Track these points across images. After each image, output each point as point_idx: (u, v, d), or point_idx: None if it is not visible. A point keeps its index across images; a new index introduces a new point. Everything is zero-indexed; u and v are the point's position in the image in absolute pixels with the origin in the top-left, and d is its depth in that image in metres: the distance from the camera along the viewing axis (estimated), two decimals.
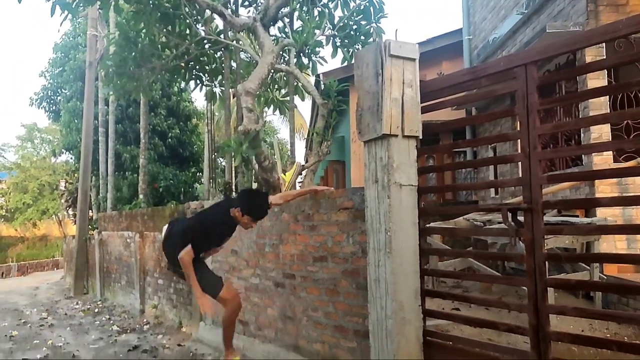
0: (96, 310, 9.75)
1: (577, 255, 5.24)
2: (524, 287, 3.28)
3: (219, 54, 8.93)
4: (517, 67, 3.20)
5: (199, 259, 4.40)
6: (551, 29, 6.20)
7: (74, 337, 7.39)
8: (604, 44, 5.97)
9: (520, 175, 3.27)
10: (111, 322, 8.36)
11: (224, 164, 16.46)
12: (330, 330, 4.47)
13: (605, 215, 5.81)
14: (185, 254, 4.20)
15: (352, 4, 7.52)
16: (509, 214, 3.29)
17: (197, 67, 8.93)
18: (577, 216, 5.98)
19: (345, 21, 7.49)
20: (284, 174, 7.05)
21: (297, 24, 8.14)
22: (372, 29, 7.54)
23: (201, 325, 6.71)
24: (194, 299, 6.96)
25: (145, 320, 8.26)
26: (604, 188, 5.91)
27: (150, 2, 7.45)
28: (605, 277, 5.51)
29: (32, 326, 8.31)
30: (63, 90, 19.09)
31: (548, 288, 3.16)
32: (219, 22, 9.49)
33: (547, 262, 3.12)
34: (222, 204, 4.58)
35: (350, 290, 4.24)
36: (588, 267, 5.42)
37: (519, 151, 3.25)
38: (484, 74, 3.45)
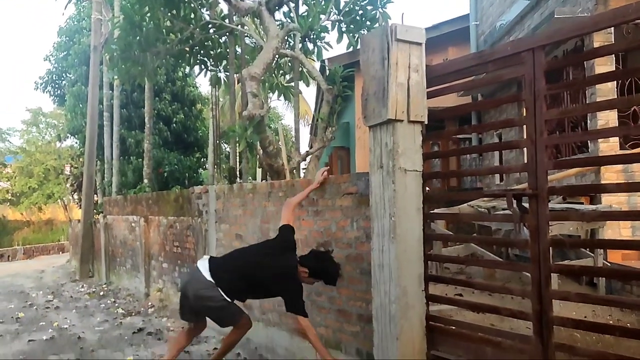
0: (101, 293, 9.84)
1: (582, 242, 5.24)
2: (528, 274, 3.29)
3: (223, 38, 8.90)
4: (525, 51, 3.17)
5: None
6: (559, 15, 6.14)
7: (79, 319, 7.46)
8: (612, 30, 5.91)
9: (526, 162, 3.25)
10: (116, 305, 8.44)
11: (228, 149, 16.50)
12: (333, 314, 4.50)
13: (611, 202, 5.80)
14: (309, 322, 4.07)
15: None
16: (514, 200, 3.28)
17: (202, 51, 8.91)
18: (582, 203, 5.97)
19: (351, 6, 7.44)
20: (296, 164, 7.05)
21: (303, 8, 8.09)
22: (378, 14, 7.50)
23: None
24: None
25: (150, 303, 8.34)
26: (610, 175, 5.89)
27: None
28: (609, 264, 5.52)
29: (38, 308, 8.40)
30: (68, 75, 19.08)
31: (552, 274, 3.16)
32: (223, 6, 9.46)
33: (551, 249, 3.12)
34: (291, 261, 4.20)
35: (354, 275, 4.26)
36: (592, 254, 5.42)
37: (525, 137, 3.24)
38: (491, 59, 3.42)
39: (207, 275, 4.10)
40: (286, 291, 4.11)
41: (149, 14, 7.86)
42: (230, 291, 4.14)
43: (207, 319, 4.46)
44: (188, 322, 4.49)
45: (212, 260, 4.33)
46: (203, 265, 4.20)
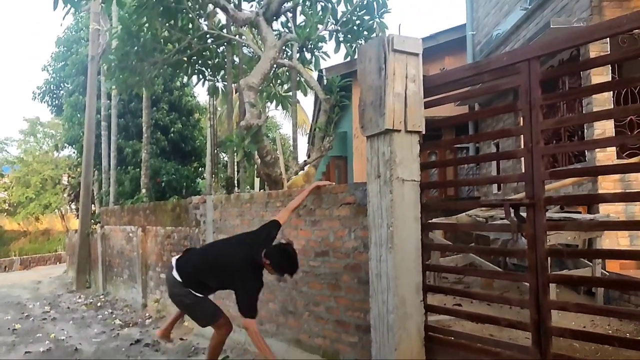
0: (98, 304, 9.78)
1: (579, 251, 5.24)
2: (526, 283, 3.28)
3: (221, 48, 8.92)
4: (521, 62, 3.19)
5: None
6: (555, 25, 6.18)
7: (76, 330, 7.42)
8: (608, 40, 5.95)
9: (523, 171, 3.26)
10: (113, 316, 8.39)
11: (226, 159, 16.50)
12: (331, 325, 4.48)
13: (608, 212, 5.81)
14: (255, 325, 3.98)
15: None
16: (512, 210, 3.29)
17: (200, 61, 8.92)
18: (580, 213, 5.97)
19: (349, 16, 7.47)
20: (293, 173, 7.04)
21: (300, 18, 8.13)
22: (375, 24, 7.52)
23: None
24: None
25: (147, 314, 8.29)
26: (607, 185, 5.90)
27: None
28: (607, 274, 5.51)
29: (35, 320, 8.35)
30: (66, 85, 19.09)
31: (550, 284, 3.16)
32: (221, 16, 9.51)
33: (549, 258, 3.11)
34: (246, 257, 4.15)
35: (351, 285, 4.25)
36: (590, 264, 5.42)
37: (522, 147, 3.25)
38: (487, 69, 3.44)
39: (175, 274, 4.21)
40: (237, 288, 4.11)
41: (146, 24, 7.88)
42: (195, 286, 4.20)
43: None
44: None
45: (179, 258, 4.38)
46: (173, 264, 4.31)
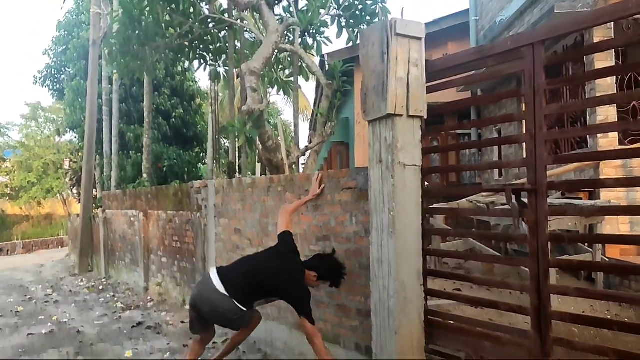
0: (100, 287, 9.85)
1: (580, 237, 5.24)
2: (526, 269, 3.29)
3: (223, 33, 8.87)
4: (525, 46, 3.16)
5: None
6: (559, 10, 6.14)
7: (78, 313, 7.48)
8: (612, 25, 5.91)
9: (525, 157, 3.25)
10: (115, 299, 8.46)
11: (227, 144, 16.47)
12: (332, 309, 4.51)
13: (609, 198, 5.81)
14: (316, 329, 3.94)
15: None
16: (513, 195, 3.28)
17: (201, 46, 8.88)
18: (581, 199, 5.98)
19: (351, 1, 7.42)
20: (295, 159, 7.03)
21: (302, 3, 8.07)
22: (377, 8, 7.47)
23: None
24: (197, 277, 7.02)
25: (149, 297, 8.35)
26: (609, 171, 5.90)
27: None
28: (607, 260, 5.53)
29: (38, 302, 8.42)
30: (67, 69, 19.05)
31: (550, 269, 3.17)
32: (223, 0, 9.44)
33: (550, 243, 3.12)
34: (297, 266, 4.16)
35: (353, 270, 4.26)
36: (590, 250, 5.44)
37: (524, 132, 3.24)
38: (491, 54, 3.41)
39: (221, 288, 3.99)
40: (295, 296, 4.03)
41: (148, 8, 7.83)
42: (244, 300, 4.04)
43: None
44: (199, 334, 4.38)
45: (221, 270, 4.19)
46: (214, 278, 4.07)
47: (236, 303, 3.99)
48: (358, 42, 6.79)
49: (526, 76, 3.16)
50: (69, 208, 29.91)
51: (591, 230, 5.62)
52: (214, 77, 9.79)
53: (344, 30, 7.72)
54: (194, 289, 4.44)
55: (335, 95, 7.09)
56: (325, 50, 8.63)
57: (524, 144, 3.25)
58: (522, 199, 3.29)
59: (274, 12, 7.18)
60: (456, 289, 5.20)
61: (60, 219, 31.42)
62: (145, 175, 12.70)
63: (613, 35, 5.92)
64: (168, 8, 7.87)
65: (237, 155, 8.88)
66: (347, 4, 7.44)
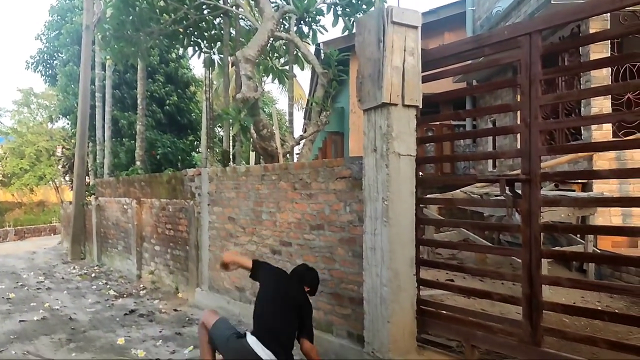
0: (93, 274, 9.82)
1: (573, 227, 5.27)
2: (518, 260, 3.30)
3: (218, 20, 8.80)
4: (522, 36, 3.15)
5: None
6: (556, 0, 6.11)
7: (71, 300, 7.45)
8: (608, 16, 5.90)
9: (520, 146, 3.25)
10: (108, 286, 8.43)
11: (222, 132, 16.41)
12: (325, 297, 4.51)
13: (602, 190, 5.84)
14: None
15: None
16: (507, 186, 3.29)
17: (196, 33, 8.80)
18: (574, 191, 6.00)
19: None
20: (289, 148, 7.00)
21: None
22: None
23: (197, 291, 6.77)
24: (190, 265, 7.01)
25: (142, 285, 8.34)
26: (603, 163, 5.92)
27: None
28: (599, 251, 5.56)
29: (30, 289, 8.38)
30: (60, 54, 18.85)
31: (542, 259, 3.18)
32: None
33: (542, 234, 3.13)
34: (297, 279, 3.90)
35: (346, 258, 4.27)
36: (583, 241, 5.47)
37: (520, 122, 3.23)
38: (488, 43, 3.40)
39: (264, 353, 3.45)
40: (309, 315, 3.74)
41: None
42: (289, 347, 3.61)
43: None
44: None
45: (255, 330, 3.63)
46: (259, 348, 3.47)
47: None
48: (354, 30, 6.75)
49: (522, 65, 3.15)
50: (61, 195, 29.79)
51: (584, 221, 5.65)
52: (209, 64, 9.71)
53: (340, 18, 7.67)
54: None
55: (330, 84, 7.06)
56: (321, 38, 8.63)
57: (519, 134, 3.24)
58: (516, 190, 3.30)
59: None
60: (449, 279, 5.23)
61: (53, 206, 31.26)
62: (138, 163, 12.64)
63: (609, 26, 5.92)
64: None
65: (231, 143, 8.84)
66: None
